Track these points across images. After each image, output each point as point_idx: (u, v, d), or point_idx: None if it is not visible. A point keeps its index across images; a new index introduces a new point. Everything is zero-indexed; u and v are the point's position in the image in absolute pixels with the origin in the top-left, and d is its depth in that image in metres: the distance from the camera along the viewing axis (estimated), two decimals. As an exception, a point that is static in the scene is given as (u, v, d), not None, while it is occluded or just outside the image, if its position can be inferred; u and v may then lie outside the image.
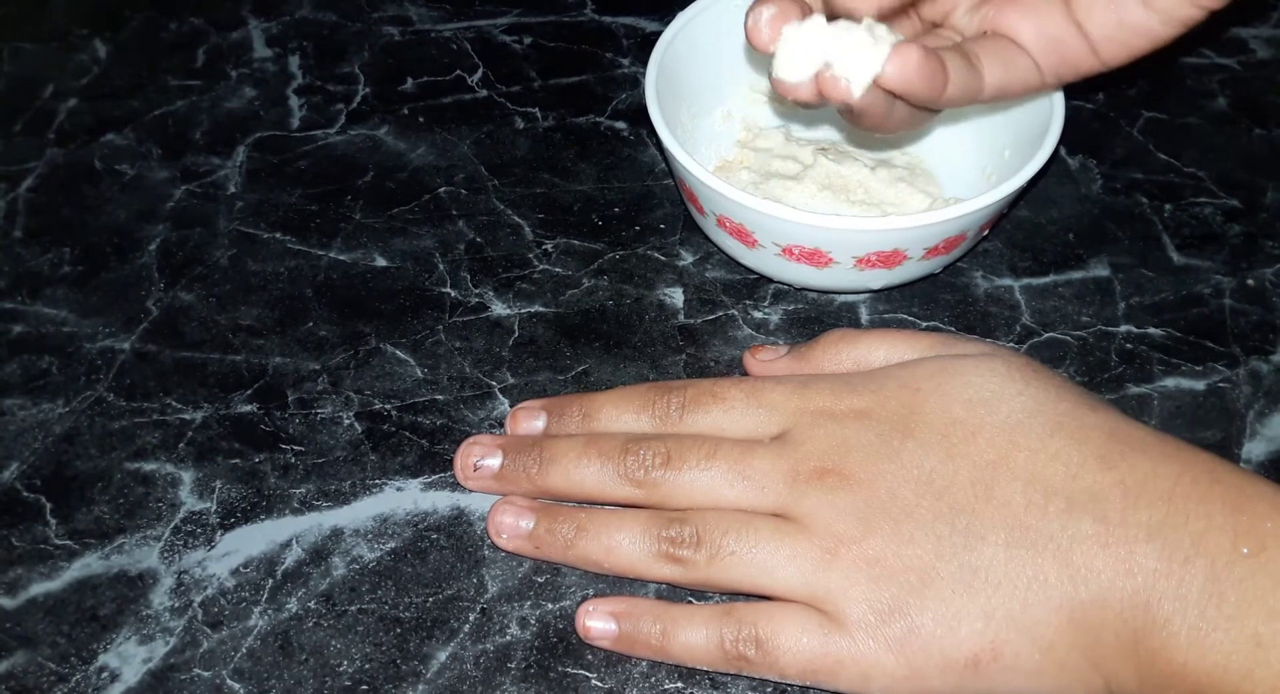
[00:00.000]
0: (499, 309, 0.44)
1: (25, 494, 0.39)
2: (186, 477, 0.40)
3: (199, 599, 0.37)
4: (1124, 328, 0.43)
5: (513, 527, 0.37)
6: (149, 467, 0.40)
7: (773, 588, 0.33)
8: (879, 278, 0.41)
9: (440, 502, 0.39)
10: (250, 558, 0.38)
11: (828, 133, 0.49)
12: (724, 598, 0.36)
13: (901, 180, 0.45)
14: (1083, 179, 0.48)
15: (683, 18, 0.45)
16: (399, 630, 0.36)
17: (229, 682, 0.35)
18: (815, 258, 0.40)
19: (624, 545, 0.35)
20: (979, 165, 0.46)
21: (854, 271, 0.41)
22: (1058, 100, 0.42)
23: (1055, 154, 0.41)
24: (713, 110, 0.48)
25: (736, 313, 0.44)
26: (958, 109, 0.48)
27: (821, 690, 0.34)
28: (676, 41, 0.45)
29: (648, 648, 0.34)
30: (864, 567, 0.32)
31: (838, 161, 0.45)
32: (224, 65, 0.55)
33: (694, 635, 0.34)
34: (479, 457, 0.38)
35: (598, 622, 0.35)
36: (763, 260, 0.42)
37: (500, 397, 0.42)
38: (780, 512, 0.34)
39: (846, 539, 0.32)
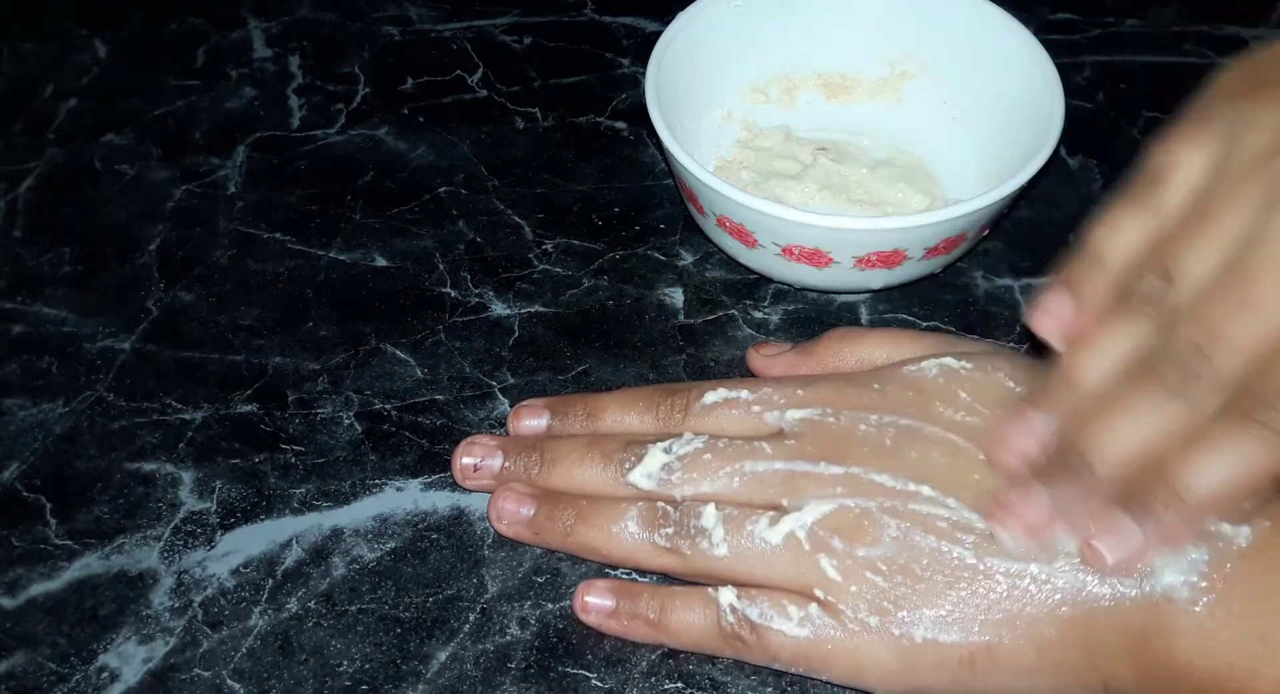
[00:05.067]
0: (499, 309, 0.44)
1: (25, 494, 0.39)
2: (186, 477, 0.39)
3: (199, 599, 0.37)
4: (1124, 328, 0.43)
5: (513, 513, 0.37)
6: (149, 467, 0.40)
7: (768, 578, 0.33)
8: (879, 278, 0.41)
9: (440, 502, 0.39)
10: (250, 558, 0.38)
11: (828, 133, 0.49)
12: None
13: (902, 180, 0.45)
14: (1083, 179, 0.48)
15: (682, 18, 0.45)
16: (399, 630, 0.36)
17: (229, 682, 0.35)
18: (815, 258, 0.40)
19: (623, 534, 0.35)
20: (979, 165, 0.46)
21: (854, 271, 0.41)
22: (1057, 100, 0.42)
23: (1055, 154, 0.41)
24: (712, 110, 0.48)
25: (736, 313, 0.44)
26: (959, 110, 0.48)
27: (819, 683, 0.34)
28: (676, 42, 0.45)
29: (645, 624, 0.34)
30: (858, 560, 0.32)
31: (838, 161, 0.46)
32: (224, 65, 0.55)
33: (691, 614, 0.34)
34: (479, 457, 0.38)
35: (595, 597, 0.35)
36: (763, 260, 0.42)
37: (500, 397, 0.42)
38: (778, 506, 0.34)
39: (842, 531, 0.32)
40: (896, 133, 0.49)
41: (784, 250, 0.40)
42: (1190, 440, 0.28)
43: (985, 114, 0.47)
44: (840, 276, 0.41)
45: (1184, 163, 0.29)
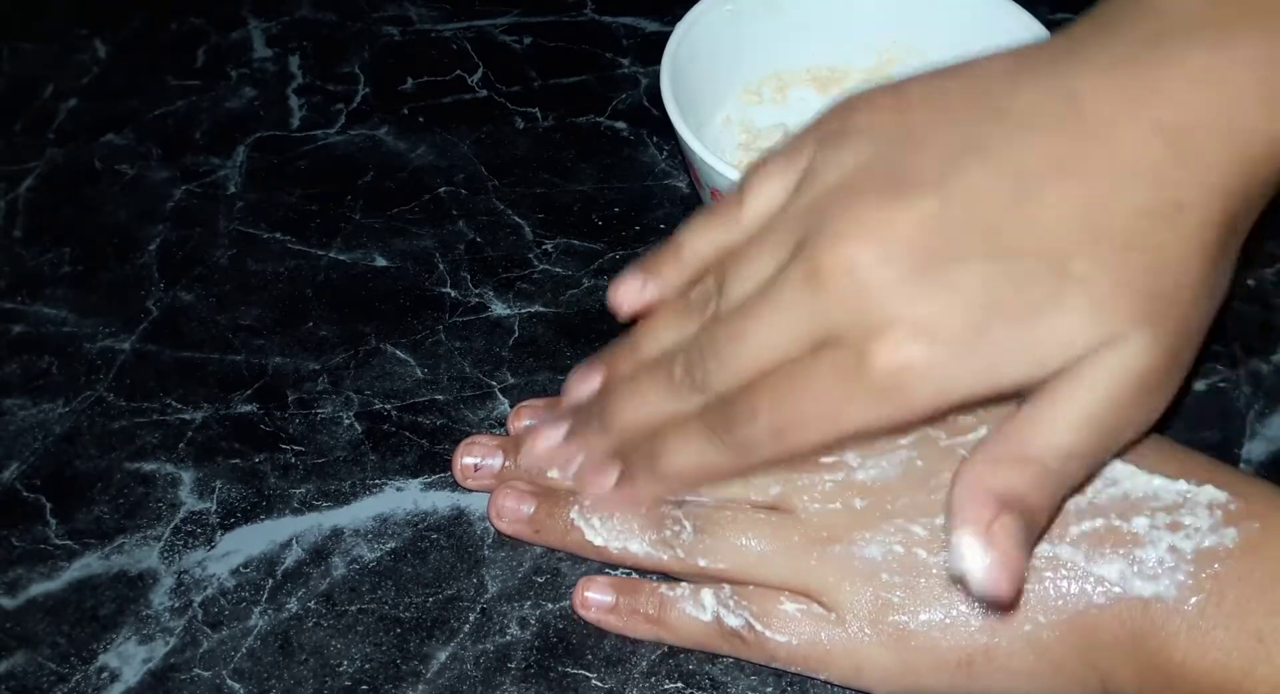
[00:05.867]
0: (499, 309, 0.44)
1: (25, 494, 0.39)
2: (186, 477, 0.40)
3: (199, 599, 0.37)
4: (1124, 328, 0.43)
5: (513, 510, 0.37)
6: (149, 467, 0.40)
7: (767, 578, 0.33)
8: None
9: (440, 502, 0.39)
10: (250, 558, 0.38)
11: None
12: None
13: None
14: (1083, 179, 0.48)
15: (681, 28, 0.45)
16: (399, 630, 0.36)
17: (229, 682, 0.35)
18: None
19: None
20: None
21: None
22: None
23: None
24: (714, 117, 0.49)
25: (736, 313, 0.44)
26: None
27: (820, 682, 0.34)
28: (679, 53, 0.45)
29: (644, 620, 0.34)
30: (856, 560, 0.32)
31: None
32: (224, 65, 0.55)
33: (690, 612, 0.34)
34: (479, 457, 0.38)
35: (595, 593, 0.35)
36: None
37: (500, 397, 0.42)
38: (777, 504, 0.34)
39: (839, 531, 0.32)
40: None
41: None
42: (673, 426, 0.32)
43: None
44: None
45: (763, 189, 0.32)
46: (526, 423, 0.39)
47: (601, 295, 0.45)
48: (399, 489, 0.39)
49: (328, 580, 0.37)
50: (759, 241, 0.31)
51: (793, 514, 0.33)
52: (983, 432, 0.33)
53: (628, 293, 0.35)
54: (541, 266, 0.46)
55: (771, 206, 0.31)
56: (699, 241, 0.34)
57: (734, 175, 0.39)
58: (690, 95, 0.45)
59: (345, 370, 0.42)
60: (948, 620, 0.31)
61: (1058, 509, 0.29)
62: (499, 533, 0.37)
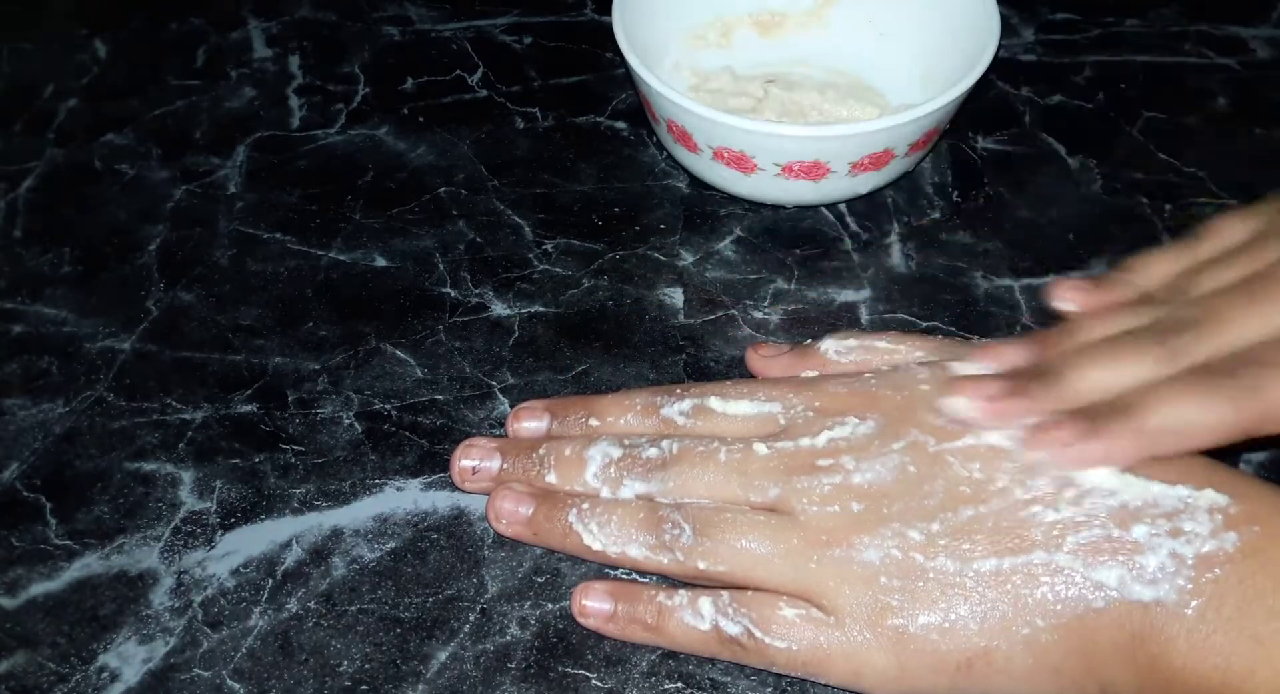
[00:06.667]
0: (499, 309, 0.44)
1: (25, 494, 0.39)
2: (186, 477, 0.40)
3: (199, 599, 0.37)
4: (1124, 328, 0.43)
5: (512, 512, 0.37)
6: (149, 467, 0.40)
7: (766, 580, 0.33)
8: (868, 181, 0.44)
9: (440, 502, 0.39)
10: (250, 558, 0.38)
11: (768, 68, 0.51)
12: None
13: (849, 97, 0.48)
14: (1083, 179, 0.48)
15: None
16: (399, 630, 0.36)
17: (229, 682, 0.35)
18: (814, 171, 0.42)
19: (622, 535, 0.35)
20: (916, 71, 0.49)
21: (848, 179, 0.43)
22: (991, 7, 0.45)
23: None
24: (663, 61, 0.50)
25: (736, 313, 0.44)
26: (886, 26, 0.51)
27: (819, 686, 0.34)
28: (627, 2, 0.46)
29: (643, 627, 0.34)
30: (855, 564, 0.32)
31: (788, 90, 0.48)
32: (224, 65, 0.55)
33: (689, 619, 0.34)
34: (477, 459, 0.38)
35: (594, 601, 0.35)
36: (760, 184, 0.44)
37: (500, 396, 0.42)
38: (776, 506, 0.34)
39: (838, 534, 0.32)
40: (830, 56, 0.52)
41: (784, 169, 0.42)
42: (1163, 383, 0.32)
43: (916, 26, 0.49)
44: (835, 186, 0.44)
45: (1226, 227, 0.36)
46: (526, 425, 0.39)
47: (602, 295, 0.45)
48: (399, 489, 0.39)
49: (328, 580, 0.37)
50: (1235, 254, 0.35)
51: (792, 516, 0.33)
52: (970, 439, 0.33)
53: (1077, 295, 0.37)
54: (541, 266, 0.46)
55: (1235, 239, 0.36)
56: (1153, 269, 0.37)
57: (690, 104, 0.42)
58: (639, 42, 0.46)
59: (345, 370, 0.42)
60: (946, 624, 0.31)
61: None
62: (499, 534, 0.37)
